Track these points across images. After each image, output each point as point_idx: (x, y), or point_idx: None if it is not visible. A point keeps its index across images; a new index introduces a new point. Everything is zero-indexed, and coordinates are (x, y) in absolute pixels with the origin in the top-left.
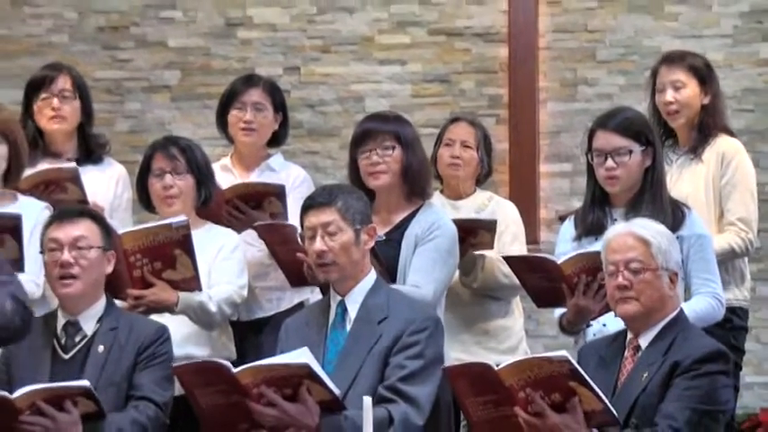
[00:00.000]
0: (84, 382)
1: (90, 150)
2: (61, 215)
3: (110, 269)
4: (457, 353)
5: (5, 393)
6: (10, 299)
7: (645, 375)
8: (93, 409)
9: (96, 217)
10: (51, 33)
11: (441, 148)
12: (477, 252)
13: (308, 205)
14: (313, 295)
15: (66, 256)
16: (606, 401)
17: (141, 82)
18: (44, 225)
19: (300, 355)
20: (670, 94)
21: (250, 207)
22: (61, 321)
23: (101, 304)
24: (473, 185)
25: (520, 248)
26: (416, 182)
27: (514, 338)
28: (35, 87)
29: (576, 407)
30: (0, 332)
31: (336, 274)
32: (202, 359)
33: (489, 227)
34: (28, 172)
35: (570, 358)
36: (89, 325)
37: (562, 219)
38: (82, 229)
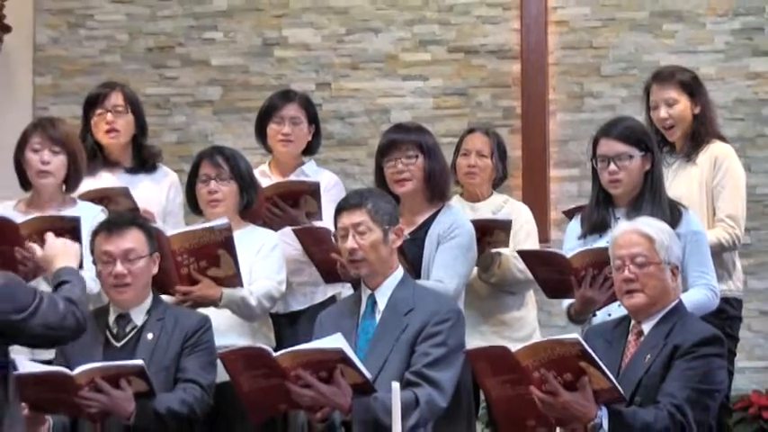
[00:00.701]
0: (139, 362)
1: (144, 160)
2: (110, 226)
3: (155, 270)
4: (477, 342)
5: (67, 370)
6: (65, 303)
7: (648, 357)
8: (144, 388)
9: (141, 224)
10: (105, 54)
11: (459, 157)
12: (494, 250)
13: (341, 207)
14: (345, 289)
15: (120, 268)
16: (614, 380)
17: (186, 97)
18: (93, 232)
19: (335, 341)
20: (664, 111)
21: (288, 205)
22: (113, 315)
23: (149, 299)
24: (490, 189)
25: (533, 246)
26: (437, 186)
27: (528, 328)
28: (91, 104)
29: (585, 385)
30: (57, 331)
31: (366, 270)
32: (246, 347)
33: (505, 226)
34: (88, 181)
35: (581, 340)
36: (139, 317)
37: (566, 214)
38: (130, 241)
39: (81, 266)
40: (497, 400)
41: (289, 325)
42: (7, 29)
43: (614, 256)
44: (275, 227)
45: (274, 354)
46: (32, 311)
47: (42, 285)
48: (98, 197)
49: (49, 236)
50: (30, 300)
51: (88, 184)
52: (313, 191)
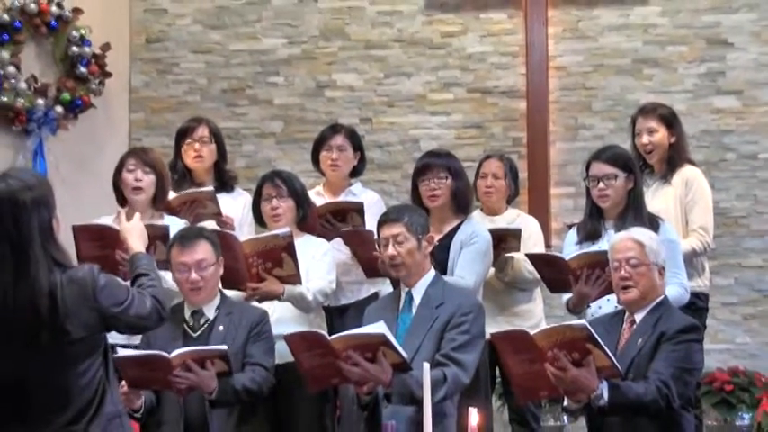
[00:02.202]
0: (223, 347)
1: (224, 182)
2: (182, 240)
3: (221, 271)
4: (493, 329)
5: (165, 353)
6: (150, 298)
7: (639, 341)
8: (224, 368)
9: (207, 236)
10: (187, 95)
11: (478, 179)
12: (507, 254)
13: (383, 221)
14: (384, 287)
15: (194, 275)
16: (613, 359)
17: (254, 130)
18: (168, 245)
19: (378, 328)
20: (646, 138)
21: (337, 221)
22: (188, 311)
23: (218, 297)
24: (505, 205)
25: (540, 251)
26: (462, 202)
27: (536, 318)
28: (182, 135)
29: (590, 363)
30: (145, 321)
31: (404, 272)
32: (306, 331)
33: (516, 234)
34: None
35: (588, 326)
36: (210, 312)
37: (569, 226)
38: (200, 252)
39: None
40: (517, 375)
41: (338, 316)
42: (109, 75)
43: (612, 259)
44: (327, 238)
45: (329, 337)
46: (127, 306)
47: None
48: (189, 200)
49: (134, 216)
50: (125, 296)
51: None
52: (358, 209)
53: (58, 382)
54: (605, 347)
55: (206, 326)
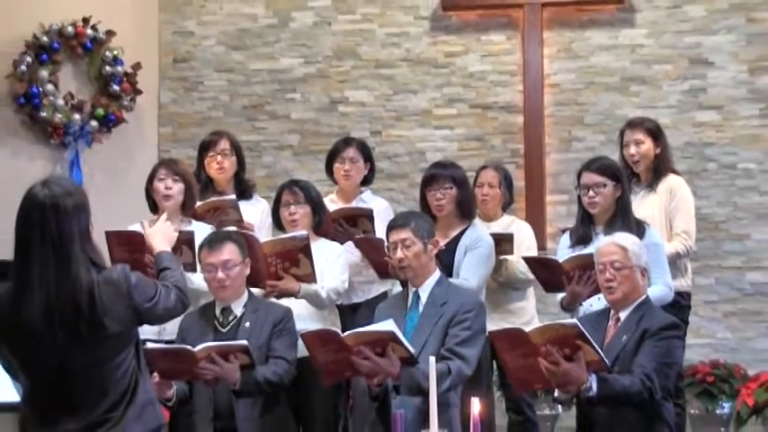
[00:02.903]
0: (243, 342)
1: (243, 190)
2: (210, 243)
3: (247, 271)
4: (489, 326)
5: (190, 347)
6: (174, 289)
7: (624, 338)
8: (247, 361)
9: (234, 239)
10: (211, 110)
11: (475, 188)
12: (501, 257)
13: (392, 226)
14: (393, 287)
15: (220, 275)
16: (602, 354)
17: (273, 143)
18: (198, 247)
19: (387, 325)
20: (633, 149)
21: (349, 225)
22: (218, 308)
23: (245, 295)
24: (500, 212)
25: (533, 254)
26: (466, 209)
27: (528, 315)
28: (204, 148)
29: (581, 358)
30: (171, 312)
31: (412, 274)
32: (320, 329)
33: (509, 239)
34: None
35: (578, 324)
36: (238, 309)
37: (563, 231)
38: (226, 253)
39: (195, 269)
40: (513, 369)
41: (351, 313)
42: (139, 92)
43: (597, 262)
44: (340, 241)
45: (341, 334)
46: (157, 301)
47: None
48: (213, 207)
49: (160, 219)
50: (154, 292)
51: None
52: (368, 215)
53: (97, 373)
54: (594, 344)
55: (234, 322)
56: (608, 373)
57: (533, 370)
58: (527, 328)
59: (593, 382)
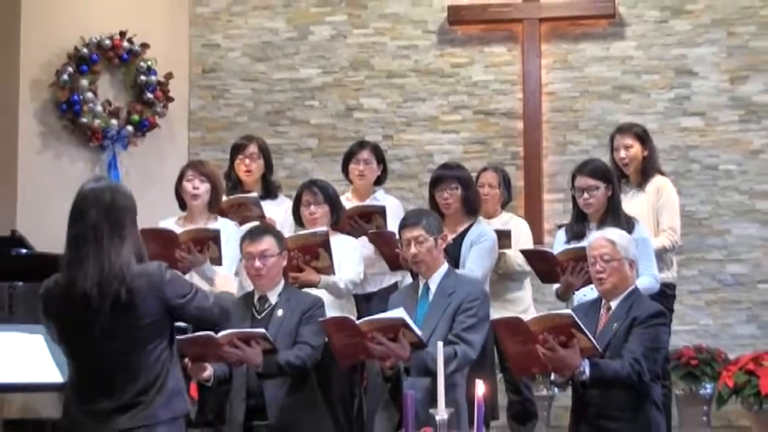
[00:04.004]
0: (261, 330)
1: (269, 190)
2: (251, 234)
3: (284, 263)
4: (491, 315)
5: (213, 334)
6: (213, 297)
7: (615, 325)
8: (269, 347)
9: (273, 232)
10: (237, 116)
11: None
12: (500, 251)
13: (404, 224)
14: (404, 278)
15: (258, 263)
16: (594, 342)
17: (293, 146)
18: (242, 238)
19: (398, 313)
20: (623, 153)
21: (363, 221)
22: (256, 296)
23: (281, 285)
24: (499, 210)
25: (529, 247)
26: (471, 206)
27: (525, 304)
28: (235, 150)
29: (575, 345)
30: (206, 314)
31: (424, 267)
32: (337, 316)
33: (507, 234)
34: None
35: (573, 314)
36: (273, 298)
37: (559, 226)
38: (265, 244)
39: (221, 263)
40: (512, 354)
41: (365, 302)
42: (171, 99)
43: (589, 255)
44: (355, 236)
45: (357, 321)
46: (190, 299)
47: (194, 278)
48: (236, 203)
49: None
50: (188, 290)
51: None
52: (380, 211)
53: (131, 358)
54: (587, 332)
55: (268, 310)
56: (600, 359)
57: (532, 355)
58: (524, 316)
59: (586, 367)
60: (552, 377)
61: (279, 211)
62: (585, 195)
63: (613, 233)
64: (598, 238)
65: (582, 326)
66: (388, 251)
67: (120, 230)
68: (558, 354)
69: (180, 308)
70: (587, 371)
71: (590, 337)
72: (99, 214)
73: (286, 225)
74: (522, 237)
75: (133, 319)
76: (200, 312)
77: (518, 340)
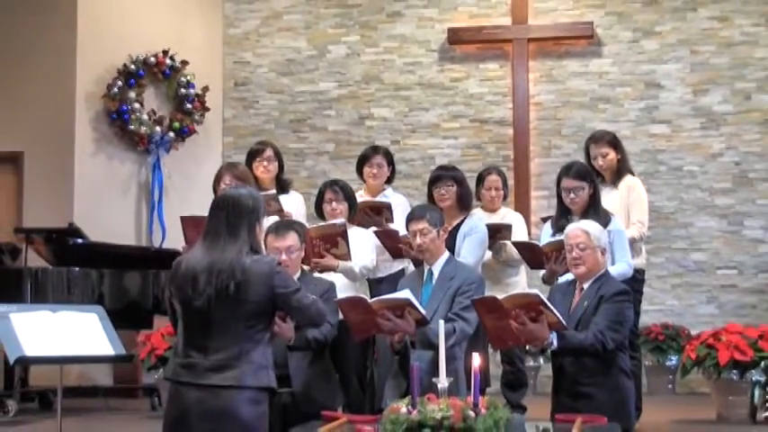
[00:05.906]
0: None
1: (282, 187)
2: (277, 229)
3: (302, 254)
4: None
5: (363, 296)
6: (315, 308)
7: (585, 303)
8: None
9: (296, 228)
10: (264, 124)
11: (483, 190)
12: (502, 241)
13: (411, 217)
14: (409, 265)
15: (284, 257)
16: (559, 316)
17: (313, 149)
18: (266, 232)
19: (405, 294)
20: (601, 161)
21: (373, 214)
22: None
23: (298, 273)
24: (500, 205)
25: (524, 239)
26: (464, 203)
27: (521, 287)
28: (252, 155)
29: (543, 320)
30: (304, 311)
31: (428, 255)
32: (352, 296)
33: (508, 227)
34: None
35: (540, 294)
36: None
37: (544, 219)
38: (290, 240)
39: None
40: (491, 329)
41: (376, 285)
42: (207, 109)
43: (566, 244)
44: (366, 227)
45: (369, 300)
46: (292, 292)
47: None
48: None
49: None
50: (293, 286)
51: None
52: (387, 206)
53: (231, 327)
54: (553, 308)
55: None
56: (566, 331)
57: (507, 330)
58: (506, 295)
59: (553, 339)
60: (527, 348)
61: (292, 203)
62: (572, 195)
63: (588, 224)
64: (574, 229)
65: (548, 303)
66: (392, 244)
67: (240, 227)
68: (527, 327)
69: (284, 296)
70: (555, 342)
71: (556, 313)
72: (222, 215)
73: (298, 216)
74: (519, 229)
75: (241, 294)
76: (299, 305)
77: (494, 316)
